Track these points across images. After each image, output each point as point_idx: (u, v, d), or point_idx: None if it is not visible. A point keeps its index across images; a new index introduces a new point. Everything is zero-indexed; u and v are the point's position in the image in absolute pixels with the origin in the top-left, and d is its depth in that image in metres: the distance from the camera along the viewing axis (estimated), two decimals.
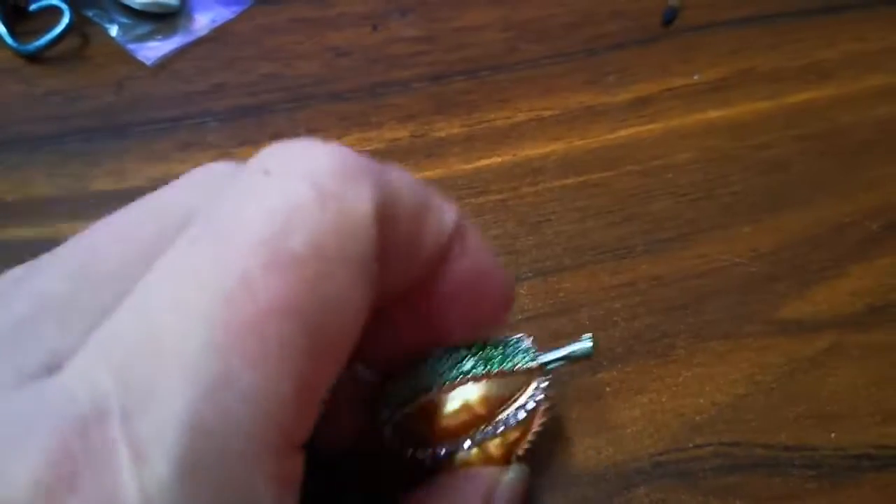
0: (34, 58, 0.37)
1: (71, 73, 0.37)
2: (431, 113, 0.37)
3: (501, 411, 0.24)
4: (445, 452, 0.24)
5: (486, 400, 0.24)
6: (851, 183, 0.35)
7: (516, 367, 0.24)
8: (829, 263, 0.33)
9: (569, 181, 0.35)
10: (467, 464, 0.24)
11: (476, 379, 0.23)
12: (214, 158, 0.35)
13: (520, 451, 0.24)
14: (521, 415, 0.24)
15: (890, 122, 0.37)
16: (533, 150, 0.36)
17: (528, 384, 0.24)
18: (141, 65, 0.38)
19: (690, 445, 0.29)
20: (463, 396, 0.24)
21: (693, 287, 0.32)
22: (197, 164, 0.34)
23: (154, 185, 0.34)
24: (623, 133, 0.36)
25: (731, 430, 0.29)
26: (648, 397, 0.30)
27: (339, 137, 0.36)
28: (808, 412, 0.30)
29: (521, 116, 0.37)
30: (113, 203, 0.35)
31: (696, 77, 0.38)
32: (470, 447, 0.24)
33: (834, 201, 0.35)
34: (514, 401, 0.24)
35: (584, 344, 0.25)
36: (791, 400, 0.30)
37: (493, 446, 0.24)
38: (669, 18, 0.40)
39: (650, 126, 0.37)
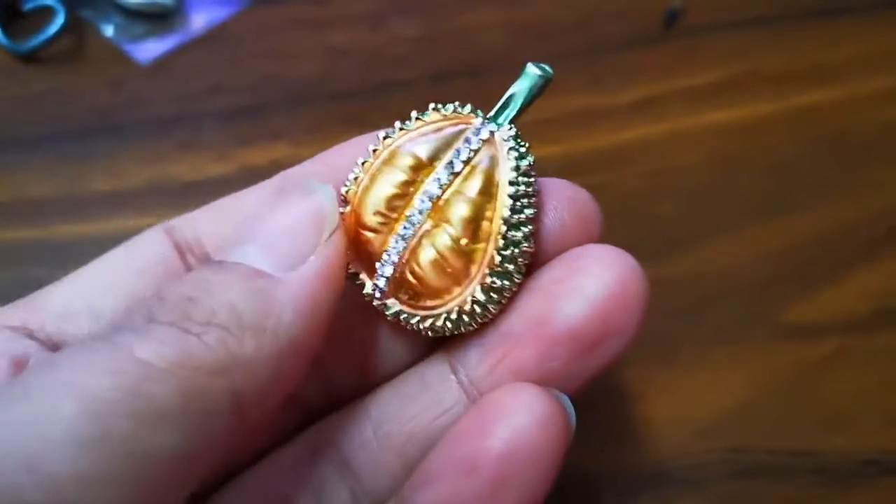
0: (29, 58, 0.37)
1: (66, 73, 0.37)
2: None
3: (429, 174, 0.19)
4: (385, 271, 0.20)
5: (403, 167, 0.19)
6: (857, 185, 0.35)
7: (435, 109, 0.20)
8: (836, 266, 0.33)
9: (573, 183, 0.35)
10: (412, 291, 0.19)
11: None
12: (212, 159, 0.35)
13: (502, 235, 0.19)
14: (462, 156, 0.19)
15: (894, 125, 0.37)
16: (535, 153, 0.35)
17: (468, 131, 0.19)
18: (136, 65, 0.37)
19: (696, 451, 0.29)
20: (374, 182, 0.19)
21: (698, 290, 0.32)
22: (194, 164, 0.34)
23: (151, 186, 0.34)
24: (626, 135, 0.36)
25: (738, 435, 0.29)
26: (653, 402, 0.29)
27: (338, 138, 0.35)
28: (814, 417, 0.30)
29: (522, 118, 0.36)
30: (110, 204, 0.35)
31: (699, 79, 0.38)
32: (404, 245, 0.19)
33: (839, 204, 0.34)
34: (450, 151, 0.19)
35: (528, 72, 0.20)
36: (797, 404, 0.30)
37: (438, 240, 0.19)
38: (671, 20, 0.39)
39: (653, 128, 0.36)
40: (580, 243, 0.20)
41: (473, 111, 0.20)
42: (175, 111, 0.36)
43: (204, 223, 0.21)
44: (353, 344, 0.21)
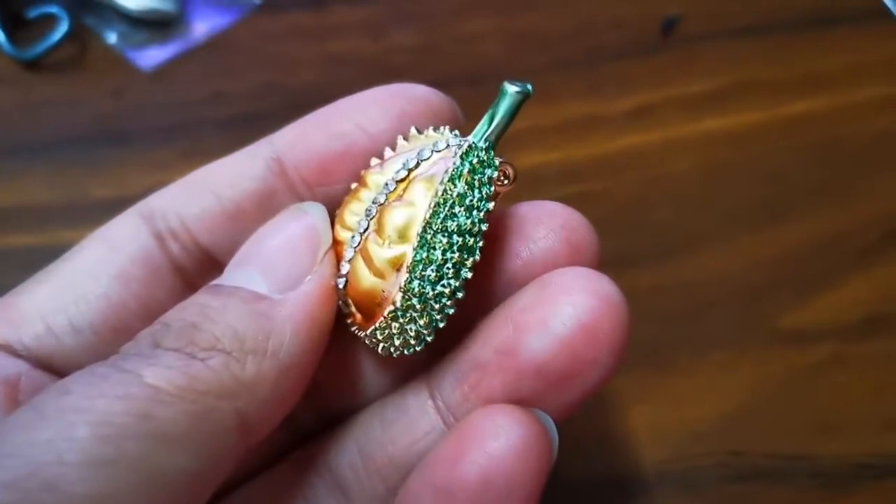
0: (32, 65, 0.37)
1: (69, 80, 0.37)
2: None
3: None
4: (342, 269, 0.19)
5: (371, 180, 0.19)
6: (849, 193, 0.35)
7: (417, 131, 0.19)
8: (829, 273, 0.33)
9: (568, 190, 0.35)
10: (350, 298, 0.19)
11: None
12: None
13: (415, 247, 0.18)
14: (409, 163, 0.18)
15: (886, 133, 0.37)
16: (532, 159, 0.36)
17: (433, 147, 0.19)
18: (139, 72, 0.37)
19: (692, 455, 0.29)
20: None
21: (693, 297, 0.32)
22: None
23: (154, 193, 0.34)
24: (622, 142, 0.36)
25: (733, 439, 0.29)
26: (650, 407, 0.30)
27: None
28: (808, 421, 0.30)
29: (520, 125, 0.36)
30: (112, 210, 0.35)
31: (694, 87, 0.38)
32: (352, 250, 0.19)
33: (832, 211, 0.35)
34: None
35: (504, 89, 0.19)
36: (792, 409, 0.30)
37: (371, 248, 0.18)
38: (668, 29, 0.40)
39: (649, 135, 0.37)
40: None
41: (452, 132, 0.19)
42: (176, 119, 0.36)
43: (184, 202, 0.21)
44: (342, 368, 0.21)
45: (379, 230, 0.18)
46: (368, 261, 0.18)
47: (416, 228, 0.18)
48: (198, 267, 0.21)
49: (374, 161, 0.20)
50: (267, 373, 0.17)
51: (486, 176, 0.18)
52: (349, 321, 0.20)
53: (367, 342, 0.19)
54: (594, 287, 0.18)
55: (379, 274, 0.18)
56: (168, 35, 0.39)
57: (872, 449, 0.29)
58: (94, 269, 0.20)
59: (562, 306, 0.17)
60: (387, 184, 0.19)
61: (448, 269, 0.18)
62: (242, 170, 0.21)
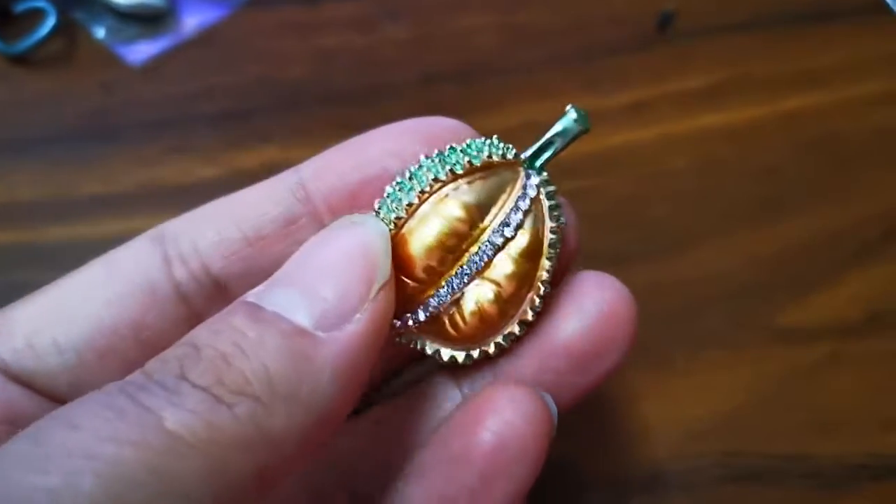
0: (20, 60, 0.36)
1: (57, 75, 0.36)
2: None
3: (481, 231, 0.19)
4: (420, 316, 0.20)
5: (459, 217, 0.19)
6: (848, 190, 0.35)
7: (488, 157, 0.19)
8: (827, 271, 0.33)
9: (564, 186, 0.34)
10: (456, 331, 0.20)
11: (433, 192, 0.19)
12: (202, 162, 0.34)
13: (538, 294, 0.20)
14: (515, 218, 0.19)
15: (885, 129, 0.37)
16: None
17: (514, 181, 0.20)
18: (128, 67, 0.37)
19: (689, 455, 0.29)
20: (426, 223, 0.19)
21: (690, 295, 0.32)
22: (185, 168, 0.34)
23: (142, 190, 0.34)
24: (618, 138, 0.36)
25: (731, 439, 0.29)
26: (646, 406, 0.29)
27: (328, 140, 0.35)
28: (807, 421, 0.30)
29: (514, 121, 0.36)
30: (100, 207, 0.35)
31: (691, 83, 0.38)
32: (449, 298, 0.19)
33: (831, 208, 0.35)
34: (500, 206, 0.20)
35: (568, 117, 0.20)
36: (790, 408, 0.30)
37: (487, 286, 0.19)
38: (664, 24, 0.39)
39: (646, 131, 0.36)
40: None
41: (515, 155, 0.20)
42: (166, 114, 0.36)
43: (201, 227, 0.20)
44: None
45: (489, 280, 0.20)
46: (483, 312, 0.20)
47: (535, 287, 0.20)
48: (204, 295, 0.20)
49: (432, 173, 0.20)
50: (296, 425, 0.16)
51: (563, 220, 0.20)
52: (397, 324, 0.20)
53: (426, 351, 0.20)
54: (610, 283, 0.20)
55: (491, 323, 0.20)
56: (157, 30, 0.38)
57: (870, 449, 0.29)
58: (90, 291, 0.20)
59: (590, 298, 0.20)
60: (491, 240, 0.19)
61: (538, 310, 0.20)
62: (265, 195, 0.21)
